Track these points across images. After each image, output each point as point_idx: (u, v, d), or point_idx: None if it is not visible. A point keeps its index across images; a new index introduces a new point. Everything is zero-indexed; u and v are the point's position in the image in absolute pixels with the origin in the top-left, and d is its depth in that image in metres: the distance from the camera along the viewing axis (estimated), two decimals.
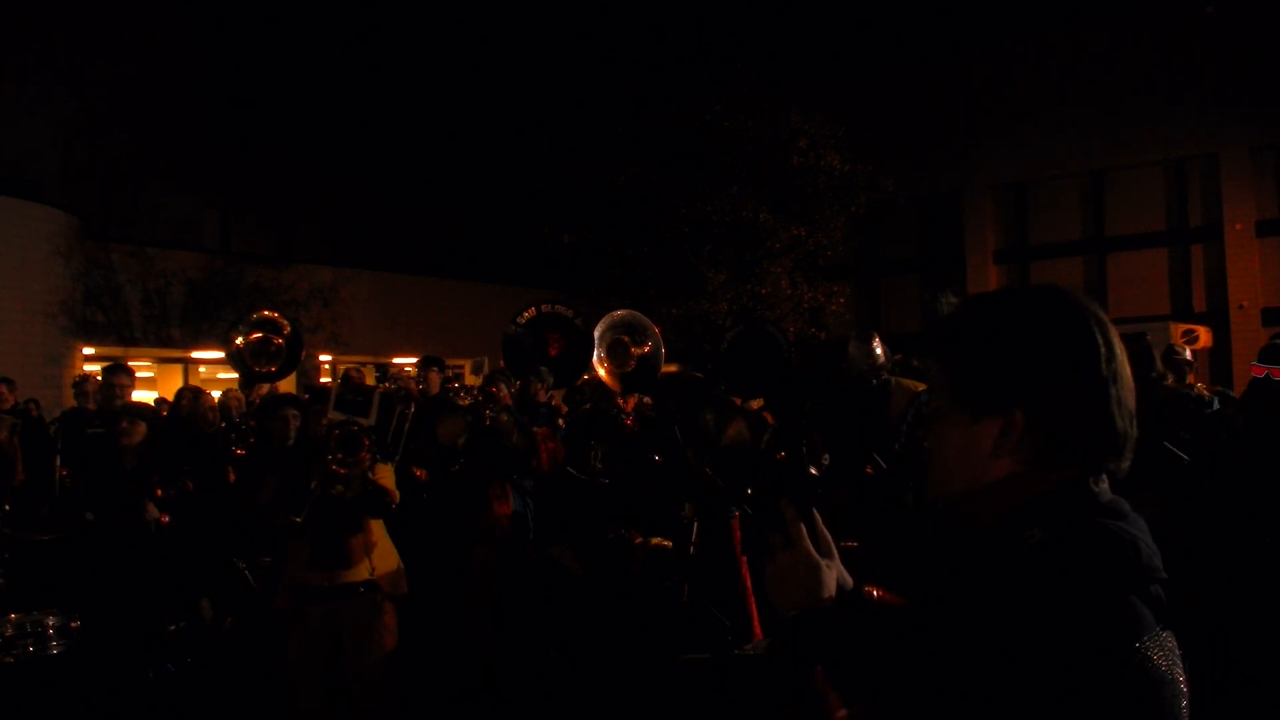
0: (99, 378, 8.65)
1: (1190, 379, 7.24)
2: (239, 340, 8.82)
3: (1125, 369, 1.37)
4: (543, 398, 7.74)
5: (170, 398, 13.50)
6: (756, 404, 7.83)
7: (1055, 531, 1.27)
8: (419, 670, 6.00)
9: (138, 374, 9.10)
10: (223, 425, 7.49)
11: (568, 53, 21.19)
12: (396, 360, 18.88)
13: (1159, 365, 6.12)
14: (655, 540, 6.40)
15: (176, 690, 5.71)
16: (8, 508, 4.58)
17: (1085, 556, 1.24)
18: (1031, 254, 24.90)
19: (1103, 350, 1.34)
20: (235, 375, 8.93)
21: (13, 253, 15.58)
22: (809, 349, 18.01)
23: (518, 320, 8.91)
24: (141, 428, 6.84)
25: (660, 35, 19.28)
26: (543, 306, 8.97)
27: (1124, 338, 1.44)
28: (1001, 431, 1.35)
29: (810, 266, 20.29)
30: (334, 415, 5.10)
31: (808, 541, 1.54)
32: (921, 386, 6.28)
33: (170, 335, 18.48)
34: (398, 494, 5.21)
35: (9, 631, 4.30)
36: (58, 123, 19.00)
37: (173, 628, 5.89)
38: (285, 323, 9.03)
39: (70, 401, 11.32)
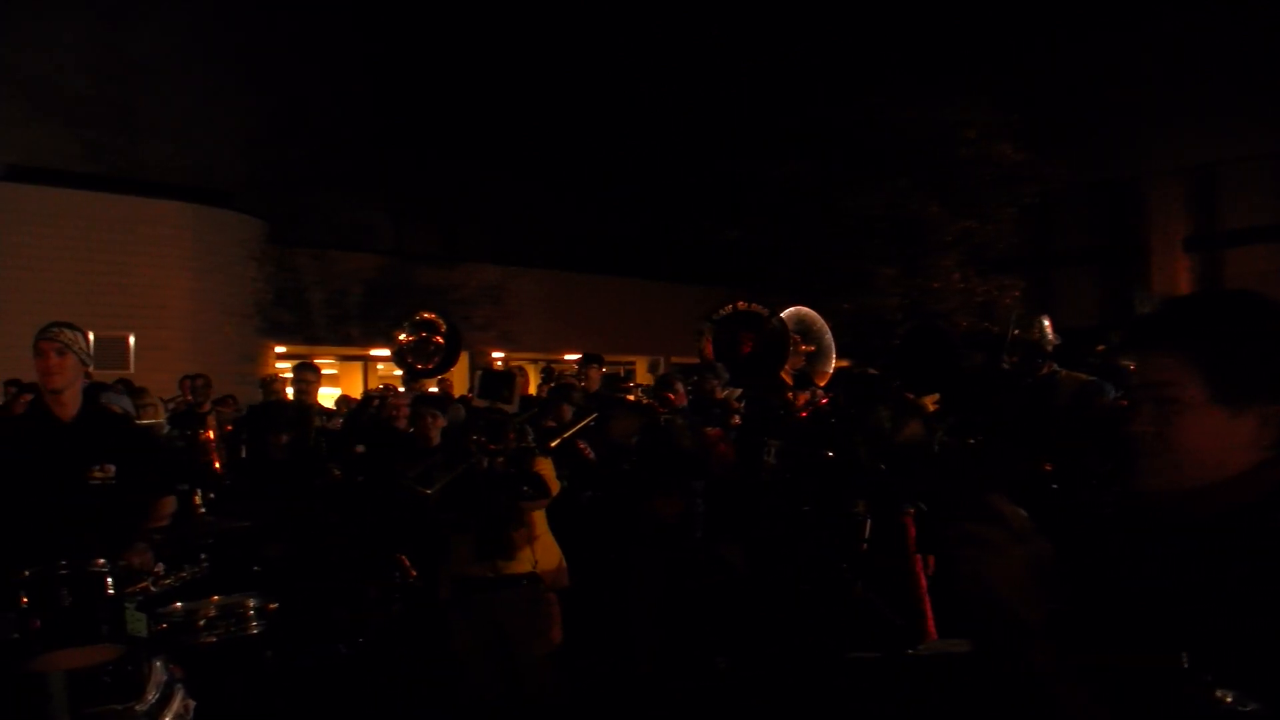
0: (287, 375, 9.11)
1: None
2: (401, 338, 9.21)
3: None
4: (719, 395, 7.68)
5: (352, 394, 14.15)
6: (930, 400, 7.65)
7: None
8: (586, 663, 6.07)
9: (322, 371, 9.54)
10: (400, 426, 7.75)
11: (729, 47, 21.11)
12: (566, 357, 19.21)
13: None
14: (824, 537, 6.32)
15: (351, 671, 5.95)
16: (212, 496, 4.86)
17: None
18: (1224, 241, 23.46)
19: None
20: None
21: (211, 257, 16.61)
22: (980, 343, 17.49)
23: (713, 317, 8.79)
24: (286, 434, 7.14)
25: (818, 28, 19.07)
26: (739, 304, 8.83)
27: None
28: (1262, 422, 1.43)
29: (981, 260, 19.76)
30: (478, 402, 5.24)
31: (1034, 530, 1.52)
32: (1086, 378, 6.02)
33: (350, 334, 19.30)
34: (557, 485, 5.28)
35: (212, 613, 4.53)
36: (245, 133, 20.07)
37: (344, 612, 6.14)
38: (442, 322, 9.36)
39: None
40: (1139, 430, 1.51)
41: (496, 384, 5.34)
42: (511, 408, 5.22)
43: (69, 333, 4.17)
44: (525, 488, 5.10)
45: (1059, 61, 23.92)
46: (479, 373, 5.26)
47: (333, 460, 7.31)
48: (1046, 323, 6.18)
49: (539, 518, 5.32)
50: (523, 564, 5.13)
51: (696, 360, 8.65)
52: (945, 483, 5.61)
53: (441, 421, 6.09)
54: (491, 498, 5.03)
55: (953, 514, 1.60)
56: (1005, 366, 6.14)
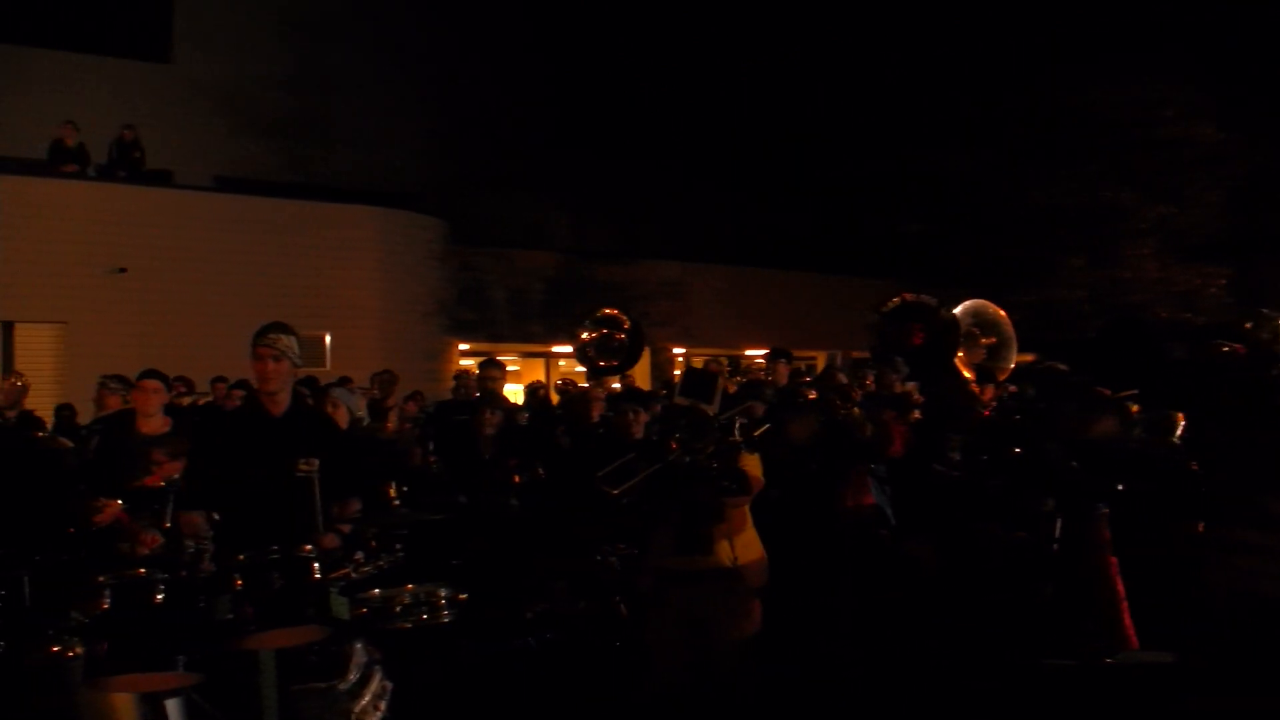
0: (474, 372, 9.33)
1: None
2: (584, 335, 9.34)
3: None
4: (899, 389, 7.54)
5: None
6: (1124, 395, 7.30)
7: None
8: (780, 658, 6.03)
9: (506, 368, 9.78)
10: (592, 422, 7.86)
11: (909, 38, 20.65)
12: (747, 352, 19.20)
13: None
14: (1016, 535, 6.12)
15: (540, 663, 6.09)
16: (405, 489, 5.07)
17: None
18: None
19: None
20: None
21: (398, 258, 17.35)
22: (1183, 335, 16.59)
23: (881, 309, 8.71)
24: (496, 418, 7.34)
25: (999, 12, 18.47)
26: (907, 296, 8.71)
27: None
28: None
29: (1180, 247, 18.69)
30: (679, 400, 5.25)
31: None
32: None
33: (532, 331, 19.79)
34: (762, 482, 5.24)
35: (407, 600, 4.72)
36: (428, 138, 20.84)
37: (534, 607, 6.28)
38: (625, 319, 9.44)
39: (447, 395, 12.38)
40: None
41: (699, 383, 5.34)
42: (712, 408, 5.22)
43: (285, 339, 4.46)
44: (726, 483, 5.10)
45: (1264, 33, 22.34)
46: (681, 371, 5.32)
47: (535, 455, 7.45)
48: None
49: (743, 513, 5.30)
50: (722, 559, 5.13)
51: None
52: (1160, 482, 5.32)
53: (645, 417, 6.19)
54: (692, 492, 5.06)
55: (1220, 519, 1.49)
56: (1225, 351, 5.75)
